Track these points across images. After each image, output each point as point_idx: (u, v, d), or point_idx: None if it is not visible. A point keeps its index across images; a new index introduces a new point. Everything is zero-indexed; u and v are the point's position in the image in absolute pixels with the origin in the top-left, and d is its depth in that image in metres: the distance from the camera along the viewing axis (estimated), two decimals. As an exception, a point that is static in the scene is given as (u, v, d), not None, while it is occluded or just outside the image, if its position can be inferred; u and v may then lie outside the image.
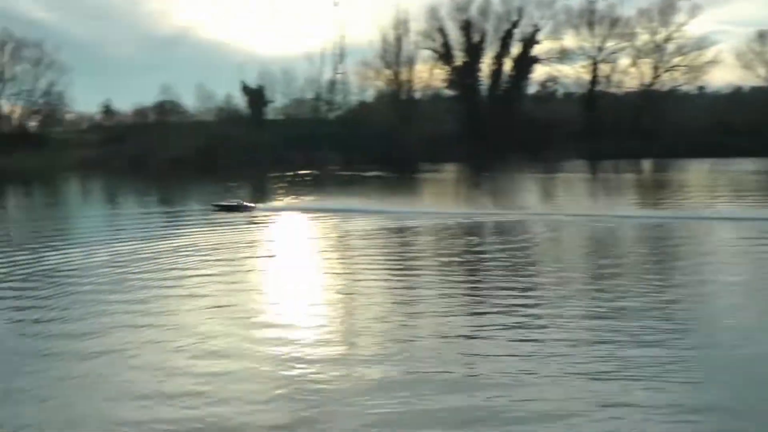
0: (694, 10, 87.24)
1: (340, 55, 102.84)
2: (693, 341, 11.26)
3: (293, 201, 38.49)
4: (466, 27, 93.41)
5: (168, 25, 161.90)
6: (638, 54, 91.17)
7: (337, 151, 78.19)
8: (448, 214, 29.92)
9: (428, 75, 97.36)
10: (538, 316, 12.96)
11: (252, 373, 10.17)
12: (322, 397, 9.28)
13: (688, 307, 13.69)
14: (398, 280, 16.97)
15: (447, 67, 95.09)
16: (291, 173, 63.19)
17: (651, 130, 79.19)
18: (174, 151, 78.52)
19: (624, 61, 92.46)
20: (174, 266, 19.14)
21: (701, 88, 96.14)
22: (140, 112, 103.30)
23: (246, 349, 11.36)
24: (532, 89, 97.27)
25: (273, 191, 47.00)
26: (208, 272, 17.99)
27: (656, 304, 13.74)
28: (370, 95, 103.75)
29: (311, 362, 10.59)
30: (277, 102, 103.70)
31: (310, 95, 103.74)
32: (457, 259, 19.80)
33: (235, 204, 34.54)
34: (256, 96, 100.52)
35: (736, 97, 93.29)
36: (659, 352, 10.64)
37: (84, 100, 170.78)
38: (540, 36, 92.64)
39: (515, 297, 14.52)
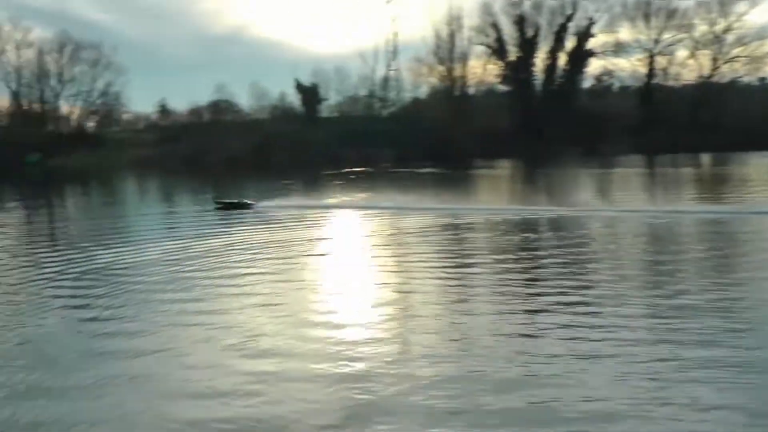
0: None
1: (394, 52, 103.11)
2: (757, 341, 10.91)
3: (345, 198, 38.46)
4: (520, 22, 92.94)
5: (222, 24, 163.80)
6: (696, 45, 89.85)
7: (391, 148, 78.24)
8: (503, 210, 29.65)
9: (482, 71, 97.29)
10: (596, 315, 12.71)
11: (306, 372, 10.10)
12: (376, 396, 9.19)
13: (752, 306, 13.25)
14: (453, 278, 16.79)
15: (501, 63, 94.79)
16: (344, 170, 63.27)
17: (710, 123, 77.86)
18: (228, 150, 79.20)
19: (681, 53, 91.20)
20: (227, 264, 19.21)
21: (762, 79, 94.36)
22: (195, 112, 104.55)
23: (299, 347, 11.30)
24: (587, 83, 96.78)
25: (326, 188, 47.04)
26: (261, 270, 18.03)
27: (718, 302, 13.35)
28: (423, 92, 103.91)
29: (365, 361, 10.51)
30: (331, 99, 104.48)
31: (363, 92, 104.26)
32: (512, 256, 19.56)
33: (237, 201, 35.07)
34: (309, 94, 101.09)
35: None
36: (722, 353, 10.32)
37: (140, 100, 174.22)
38: (595, 29, 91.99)
39: (572, 295, 14.27)
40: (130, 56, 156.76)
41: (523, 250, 20.59)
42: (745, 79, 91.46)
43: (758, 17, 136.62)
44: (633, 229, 24.70)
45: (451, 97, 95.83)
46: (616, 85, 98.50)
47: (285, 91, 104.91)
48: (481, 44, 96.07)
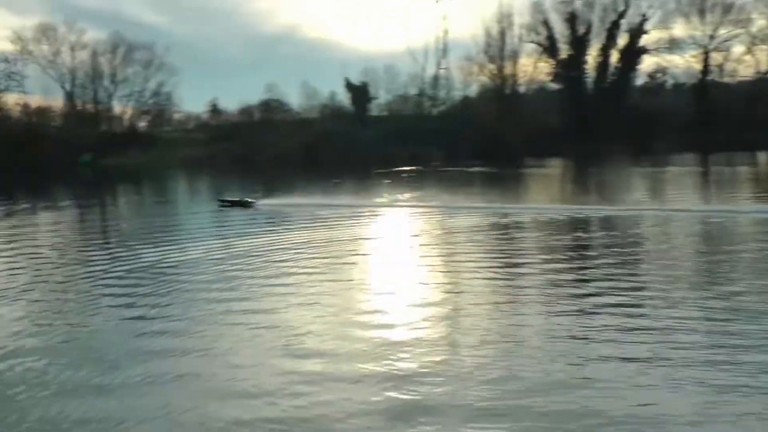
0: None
1: (444, 51, 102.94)
2: (817, 345, 10.52)
3: (396, 198, 38.35)
4: (571, 19, 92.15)
5: (273, 24, 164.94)
6: (753, 41, 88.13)
7: (440, 147, 78.06)
8: (553, 209, 29.30)
9: (532, 69, 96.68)
10: (649, 317, 12.37)
11: (352, 373, 9.99)
12: (422, 396, 9.07)
13: (812, 309, 12.84)
14: (501, 278, 16.56)
15: (552, 61, 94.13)
16: (394, 169, 63.24)
17: (766, 121, 76.12)
18: (278, 149, 79.61)
19: (738, 49, 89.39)
20: (272, 262, 19.17)
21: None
22: (246, 111, 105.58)
23: (345, 347, 11.18)
24: (639, 81, 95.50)
25: (376, 187, 47.02)
26: (307, 268, 17.95)
27: (776, 304, 12.97)
28: (473, 90, 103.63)
29: (411, 361, 10.37)
30: (381, 98, 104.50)
31: (413, 91, 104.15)
32: (562, 255, 19.26)
33: (238, 200, 35.88)
34: (359, 93, 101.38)
35: None
36: (781, 358, 9.97)
37: (191, 100, 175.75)
38: (648, 25, 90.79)
39: (624, 296, 13.95)
40: (181, 56, 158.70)
41: (574, 249, 20.29)
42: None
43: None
44: (686, 229, 24.21)
45: (502, 95, 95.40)
46: (670, 82, 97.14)
47: (335, 91, 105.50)
48: (532, 42, 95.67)
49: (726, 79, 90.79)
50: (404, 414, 8.57)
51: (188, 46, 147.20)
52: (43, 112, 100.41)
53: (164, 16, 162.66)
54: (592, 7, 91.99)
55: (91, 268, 19.15)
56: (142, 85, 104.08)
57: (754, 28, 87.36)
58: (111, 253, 21.67)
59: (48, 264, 20.33)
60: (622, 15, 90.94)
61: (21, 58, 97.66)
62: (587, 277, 16.17)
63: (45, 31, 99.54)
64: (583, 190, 42.72)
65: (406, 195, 39.46)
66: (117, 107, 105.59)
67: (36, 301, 15.31)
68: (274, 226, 28.03)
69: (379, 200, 36.15)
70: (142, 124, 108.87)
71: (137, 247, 22.51)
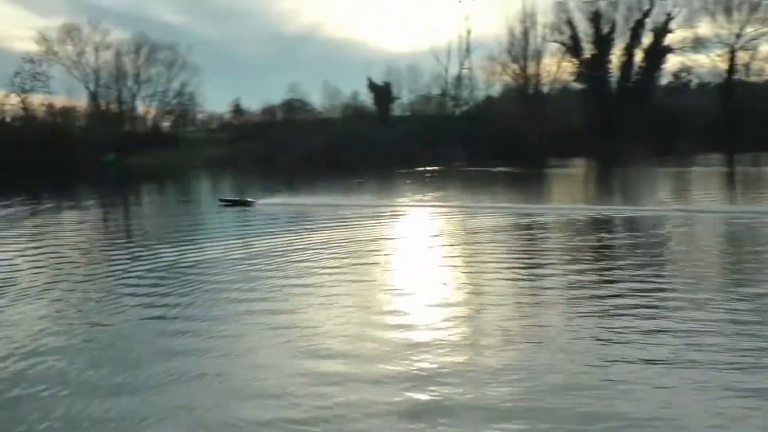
0: None
1: (466, 50, 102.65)
2: None
3: (417, 198, 38.28)
4: (595, 18, 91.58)
5: (297, 23, 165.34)
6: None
7: (463, 147, 77.89)
8: (576, 209, 29.13)
9: (556, 68, 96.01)
10: (673, 319, 12.22)
11: (375, 374, 9.94)
12: (443, 397, 9.01)
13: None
14: (524, 278, 16.42)
15: (575, 60, 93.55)
16: (416, 169, 63.19)
17: (793, 121, 75.31)
18: (301, 149, 79.74)
19: (765, 48, 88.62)
20: (295, 262, 19.14)
21: None
22: (268, 111, 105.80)
23: (366, 347, 11.13)
24: (664, 80, 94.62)
25: (398, 187, 46.99)
26: (329, 268, 17.86)
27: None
28: (496, 90, 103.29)
29: (433, 362, 10.30)
30: (403, 98, 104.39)
31: (436, 91, 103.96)
32: (586, 256, 19.12)
33: (239, 199, 37.21)
34: (382, 93, 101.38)
35: None
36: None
37: (214, 100, 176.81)
38: (673, 24, 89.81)
39: (647, 297, 13.80)
40: (205, 56, 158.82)
41: (597, 250, 20.13)
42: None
43: None
44: (711, 230, 24.00)
45: (525, 95, 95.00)
46: (695, 81, 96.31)
47: (357, 90, 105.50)
48: (556, 42, 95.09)
49: (752, 79, 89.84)
50: (425, 414, 8.52)
51: (211, 46, 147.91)
52: (67, 112, 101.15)
53: (187, 16, 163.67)
54: (616, 6, 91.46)
55: (114, 267, 19.23)
56: (166, 85, 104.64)
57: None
58: (132, 252, 21.73)
59: (70, 263, 20.39)
60: (646, 14, 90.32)
61: (46, 58, 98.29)
62: (610, 278, 16.01)
63: (69, 32, 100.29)
64: (606, 191, 42.53)
65: (428, 195, 39.37)
66: (140, 107, 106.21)
67: (58, 300, 15.33)
68: (294, 226, 28.00)
69: (388, 200, 36.10)
70: (166, 124, 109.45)
71: (159, 246, 22.60)
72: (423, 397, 9.06)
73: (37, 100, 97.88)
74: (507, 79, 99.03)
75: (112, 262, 20.17)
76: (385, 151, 78.08)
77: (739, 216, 25.49)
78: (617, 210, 28.68)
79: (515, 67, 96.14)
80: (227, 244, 22.58)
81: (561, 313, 12.90)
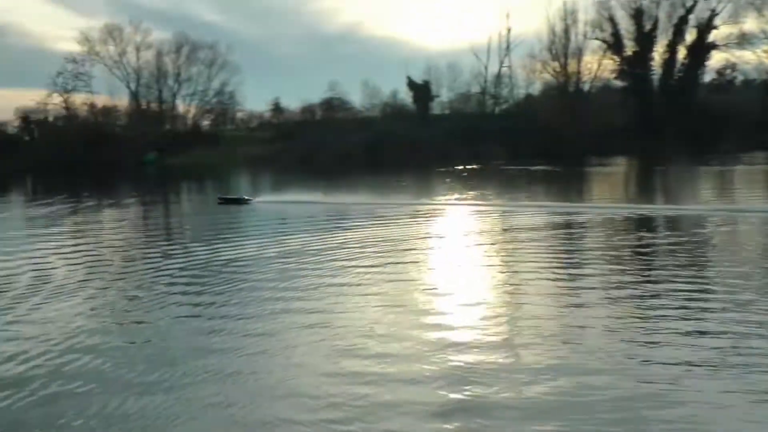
0: None
1: (507, 48, 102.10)
2: None
3: (457, 197, 38.07)
4: (638, 15, 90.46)
5: (336, 22, 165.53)
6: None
7: (503, 146, 77.45)
8: (617, 208, 28.75)
9: (597, 66, 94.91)
10: (716, 321, 11.92)
11: (412, 374, 9.83)
12: (483, 399, 8.88)
13: None
14: (564, 278, 16.22)
15: (617, 58, 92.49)
16: (456, 168, 63.00)
17: None
18: (340, 148, 79.85)
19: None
20: (335, 261, 19.05)
21: None
22: (308, 110, 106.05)
23: (404, 348, 11.01)
24: (707, 77, 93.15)
25: (438, 186, 46.84)
26: (370, 268, 17.73)
27: None
28: (536, 88, 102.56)
29: (473, 363, 10.15)
30: (443, 96, 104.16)
31: (475, 89, 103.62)
32: (627, 256, 18.85)
33: (237, 197, 38.59)
34: (421, 91, 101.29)
35: None
36: None
37: (254, 99, 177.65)
38: (717, 20, 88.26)
39: (690, 298, 13.49)
40: (244, 56, 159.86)
41: (639, 250, 19.79)
42: None
43: None
44: (756, 229, 23.51)
45: (565, 93, 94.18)
46: (740, 78, 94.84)
47: (397, 89, 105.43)
48: (597, 39, 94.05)
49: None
50: (461, 413, 8.46)
51: (251, 45, 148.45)
52: (108, 111, 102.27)
53: (228, 15, 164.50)
54: (658, 2, 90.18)
55: (149, 265, 19.38)
56: (206, 84, 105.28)
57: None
58: (168, 250, 22.03)
59: (107, 260, 20.61)
60: (690, 10, 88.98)
61: (88, 58, 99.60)
62: (651, 279, 15.73)
63: (111, 32, 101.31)
64: (647, 190, 42.02)
65: (466, 193, 39.12)
66: (181, 106, 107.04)
67: (94, 297, 15.43)
68: (340, 222, 27.95)
69: (397, 199, 35.87)
70: (205, 123, 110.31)
71: (195, 244, 22.81)
72: (458, 396, 8.97)
73: (79, 99, 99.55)
74: (547, 77, 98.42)
75: (148, 260, 20.30)
76: (424, 149, 77.98)
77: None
78: (658, 209, 28.31)
79: (556, 64, 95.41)
80: (265, 242, 22.74)
81: (600, 313, 12.66)
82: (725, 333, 11.13)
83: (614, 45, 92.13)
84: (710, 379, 9.22)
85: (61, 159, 78.56)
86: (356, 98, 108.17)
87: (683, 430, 7.83)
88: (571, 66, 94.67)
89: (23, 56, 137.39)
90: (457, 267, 18.21)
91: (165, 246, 23.39)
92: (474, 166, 65.81)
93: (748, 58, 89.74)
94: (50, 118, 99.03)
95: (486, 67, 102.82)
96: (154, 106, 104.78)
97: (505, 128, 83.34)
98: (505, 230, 25.13)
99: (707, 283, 15.00)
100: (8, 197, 52.54)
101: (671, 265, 17.15)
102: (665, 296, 13.78)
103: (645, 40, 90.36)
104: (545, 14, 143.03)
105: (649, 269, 17.09)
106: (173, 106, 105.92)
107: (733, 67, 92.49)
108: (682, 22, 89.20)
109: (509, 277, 16.63)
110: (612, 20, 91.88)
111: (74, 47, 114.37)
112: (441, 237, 24.23)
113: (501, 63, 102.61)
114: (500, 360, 10.27)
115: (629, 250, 19.80)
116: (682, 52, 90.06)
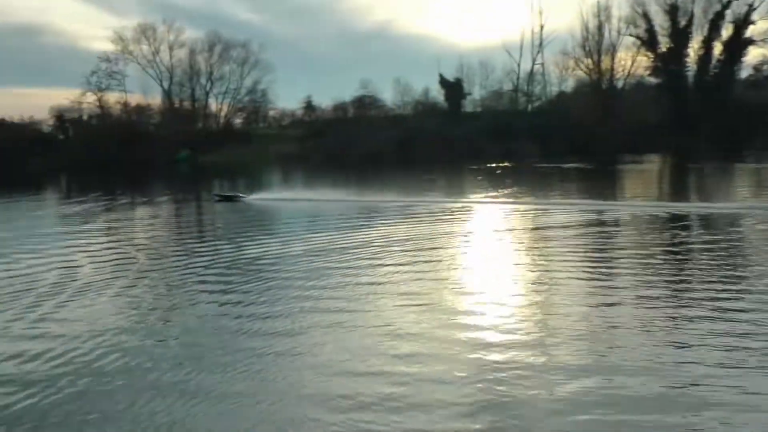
0: None
1: (539, 45, 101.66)
2: None
3: (488, 195, 37.86)
4: (672, 11, 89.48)
5: (368, 20, 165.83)
6: None
7: (535, 143, 77.10)
8: (651, 206, 28.44)
9: (631, 63, 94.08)
10: (755, 321, 11.68)
11: (444, 373, 9.78)
12: (515, 397, 8.87)
13: None
14: (597, 278, 15.99)
15: (651, 54, 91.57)
16: (488, 166, 62.79)
17: None
18: (372, 145, 79.87)
19: None
20: (366, 258, 18.99)
21: None
22: (340, 107, 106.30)
23: (437, 347, 10.94)
24: (744, 73, 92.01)
25: (469, 184, 46.64)
26: (399, 266, 17.64)
27: None
28: (569, 85, 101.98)
29: (505, 362, 10.11)
30: (475, 94, 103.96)
31: (508, 87, 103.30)
32: (661, 255, 18.55)
33: (231, 195, 40.00)
34: (453, 89, 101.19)
35: None
36: None
37: (286, 97, 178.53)
38: (754, 15, 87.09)
39: (727, 298, 13.30)
40: (277, 54, 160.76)
41: (672, 249, 19.51)
42: None
43: None
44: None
45: (599, 90, 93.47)
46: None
47: (429, 86, 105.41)
48: (631, 35, 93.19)
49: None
50: (493, 411, 8.47)
51: (283, 44, 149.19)
52: (142, 110, 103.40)
53: (260, 14, 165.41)
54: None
55: (180, 262, 19.53)
56: (238, 83, 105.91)
57: None
58: (197, 248, 22.12)
59: (137, 258, 20.63)
60: (726, 5, 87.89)
61: (122, 57, 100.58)
62: (685, 278, 15.50)
63: (144, 31, 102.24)
64: (682, 187, 41.59)
65: (499, 191, 38.89)
66: (213, 105, 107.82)
67: (122, 295, 15.49)
68: (372, 220, 27.88)
69: (418, 198, 35.65)
70: (238, 121, 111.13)
71: (223, 242, 22.98)
72: (488, 396, 8.93)
73: (112, 98, 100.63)
74: (580, 74, 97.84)
75: (178, 257, 20.43)
76: (456, 147, 77.84)
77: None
78: (692, 207, 27.94)
79: (589, 61, 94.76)
80: (297, 239, 22.72)
81: (633, 313, 12.51)
82: (758, 334, 10.94)
83: (648, 41, 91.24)
84: (742, 380, 9.06)
85: (95, 157, 79.34)
86: (388, 96, 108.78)
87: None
88: (605, 63, 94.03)
89: (57, 56, 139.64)
90: (487, 265, 18.05)
91: (193, 244, 23.46)
92: (506, 164, 65.55)
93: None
94: (84, 117, 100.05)
95: (518, 64, 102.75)
96: (186, 104, 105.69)
97: (538, 126, 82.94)
98: (536, 228, 24.93)
99: (741, 283, 14.72)
100: (43, 195, 53.01)
101: (705, 265, 16.90)
102: (698, 296, 13.57)
103: (680, 36, 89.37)
104: (578, 10, 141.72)
105: (683, 268, 16.85)
106: (206, 104, 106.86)
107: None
108: (719, 17, 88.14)
109: (540, 275, 16.43)
110: (646, 16, 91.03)
111: (108, 46, 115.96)
112: (471, 235, 24.06)
113: (533, 60, 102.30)
114: (530, 359, 10.17)
115: (662, 248, 19.52)
116: (717, 48, 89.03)
